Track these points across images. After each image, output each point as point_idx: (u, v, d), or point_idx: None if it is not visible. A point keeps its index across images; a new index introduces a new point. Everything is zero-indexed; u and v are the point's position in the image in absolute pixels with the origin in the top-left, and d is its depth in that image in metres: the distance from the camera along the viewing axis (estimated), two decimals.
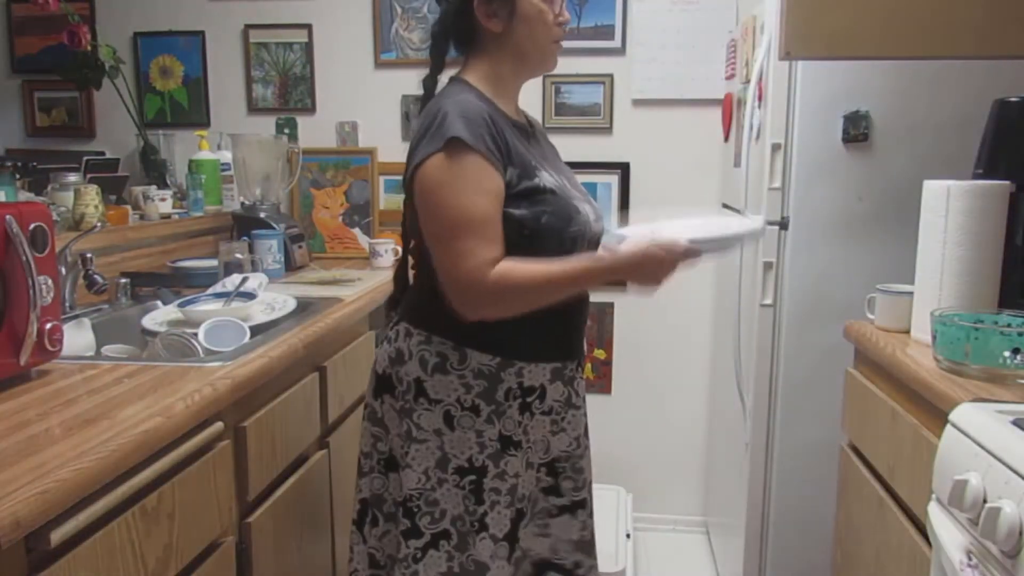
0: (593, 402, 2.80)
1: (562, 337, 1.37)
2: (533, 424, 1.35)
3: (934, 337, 1.23)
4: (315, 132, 2.78)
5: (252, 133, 2.64)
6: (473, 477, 1.30)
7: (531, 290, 1.22)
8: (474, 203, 1.19)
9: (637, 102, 2.60)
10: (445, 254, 1.21)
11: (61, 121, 2.88)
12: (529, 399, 1.34)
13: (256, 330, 1.66)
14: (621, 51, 2.58)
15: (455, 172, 1.19)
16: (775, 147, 1.91)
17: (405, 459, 1.32)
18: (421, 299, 1.35)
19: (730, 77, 2.41)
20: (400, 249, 2.61)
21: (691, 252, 1.21)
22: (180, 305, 1.75)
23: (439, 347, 1.29)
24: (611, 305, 2.73)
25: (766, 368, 1.99)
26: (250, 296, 1.85)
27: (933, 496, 1.09)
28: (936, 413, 1.15)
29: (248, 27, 2.75)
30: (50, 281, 1.24)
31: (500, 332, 1.27)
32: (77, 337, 1.52)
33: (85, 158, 2.38)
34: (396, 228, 2.72)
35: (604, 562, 2.27)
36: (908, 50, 1.55)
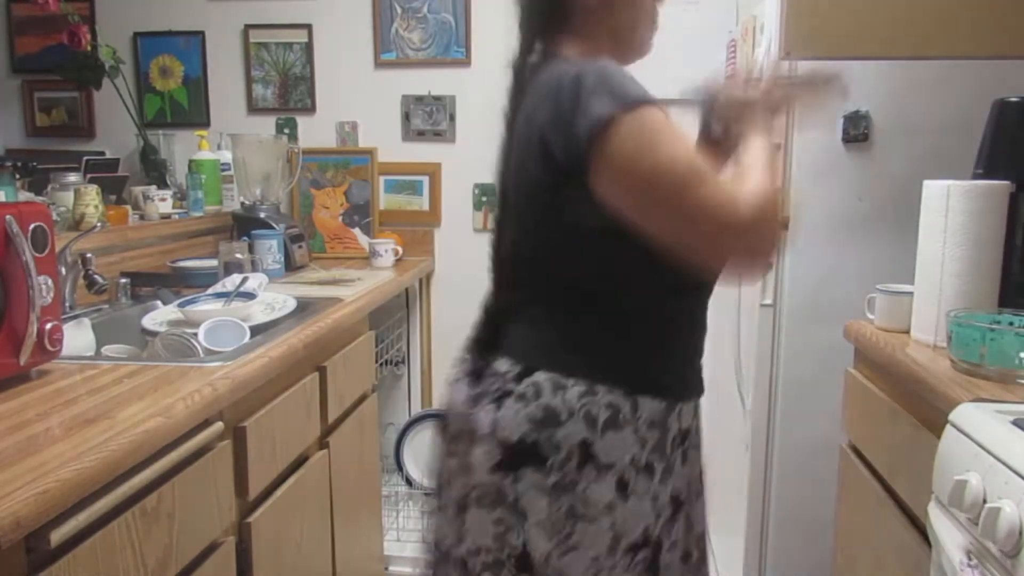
0: None
1: (699, 362, 1.15)
2: (689, 474, 1.13)
3: (949, 338, 1.22)
4: (315, 132, 2.78)
5: (252, 133, 2.64)
6: (647, 553, 1.05)
7: (772, 194, 0.99)
8: (688, 146, 1.01)
9: None
10: (684, 214, 0.95)
11: (61, 121, 2.88)
12: (684, 445, 1.11)
13: (256, 330, 1.66)
14: None
15: (657, 126, 0.99)
16: (775, 147, 1.90)
17: (562, 546, 1.02)
18: (572, 339, 1.06)
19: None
20: (399, 249, 2.63)
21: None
22: (180, 305, 1.75)
23: (607, 397, 1.02)
24: None
25: (766, 368, 1.99)
26: (250, 296, 1.84)
27: (933, 496, 1.09)
28: (936, 413, 1.15)
29: (248, 27, 2.75)
30: (50, 281, 1.24)
31: (671, 366, 1.09)
32: (77, 337, 1.52)
33: (85, 158, 2.38)
34: (396, 228, 2.75)
35: None
36: (908, 50, 1.55)
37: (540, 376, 1.03)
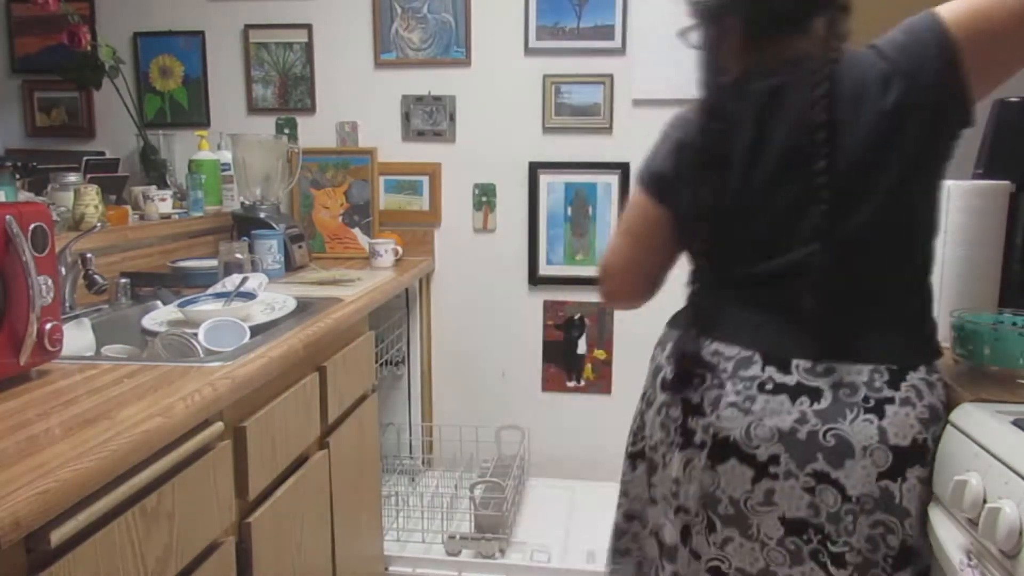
0: (593, 402, 2.81)
1: None
2: None
3: (953, 338, 1.22)
4: (315, 132, 2.78)
5: (252, 133, 2.64)
6: None
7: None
8: None
9: (637, 102, 2.60)
10: None
11: (61, 121, 2.88)
12: None
13: (256, 330, 1.66)
14: (621, 51, 2.58)
15: None
16: None
17: (927, 539, 1.05)
18: (926, 325, 1.11)
19: None
20: (399, 249, 2.63)
21: None
22: (180, 305, 1.75)
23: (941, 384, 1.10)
24: None
25: None
26: (250, 296, 1.85)
27: (933, 496, 1.08)
28: None
29: (248, 27, 2.75)
30: (50, 281, 1.24)
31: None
32: (77, 337, 1.52)
33: (85, 158, 2.38)
34: (396, 228, 2.75)
35: (604, 560, 2.27)
36: None
37: (919, 373, 1.06)
